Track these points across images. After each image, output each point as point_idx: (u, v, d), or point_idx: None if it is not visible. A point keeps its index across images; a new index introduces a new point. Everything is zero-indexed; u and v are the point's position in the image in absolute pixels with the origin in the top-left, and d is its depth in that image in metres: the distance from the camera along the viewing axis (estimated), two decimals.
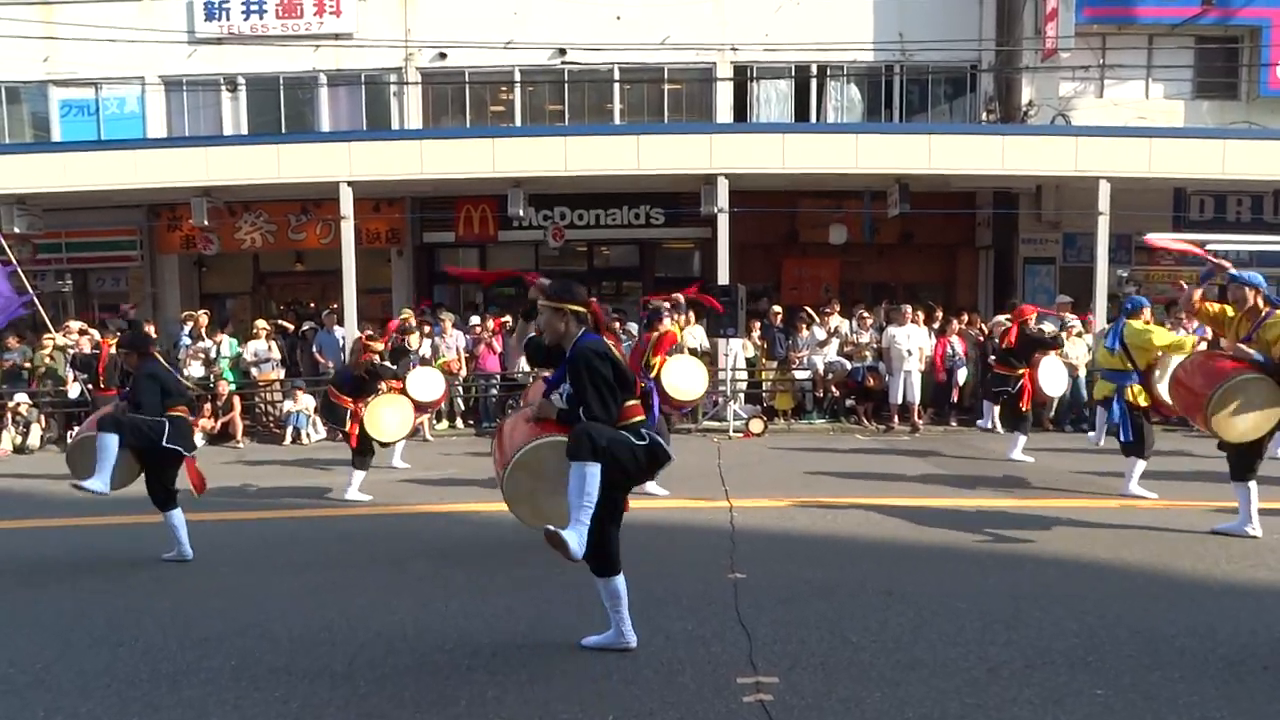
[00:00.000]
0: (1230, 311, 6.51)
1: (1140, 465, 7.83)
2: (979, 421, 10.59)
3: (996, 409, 10.60)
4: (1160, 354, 7.62)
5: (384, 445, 8.96)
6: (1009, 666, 4.12)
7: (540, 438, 4.16)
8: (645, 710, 3.76)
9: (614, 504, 4.19)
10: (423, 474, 9.76)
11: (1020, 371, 10.11)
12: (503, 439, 4.51)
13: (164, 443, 6.18)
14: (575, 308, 4.21)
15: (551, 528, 3.89)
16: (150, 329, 14.01)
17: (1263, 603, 5.00)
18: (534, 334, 4.55)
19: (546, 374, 4.79)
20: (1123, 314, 8.20)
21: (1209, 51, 16.34)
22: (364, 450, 8.57)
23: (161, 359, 6.75)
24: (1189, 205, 15.99)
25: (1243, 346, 6.19)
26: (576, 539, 3.90)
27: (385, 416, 8.68)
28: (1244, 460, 6.33)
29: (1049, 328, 12.28)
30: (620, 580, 4.24)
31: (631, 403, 4.22)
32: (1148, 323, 8.01)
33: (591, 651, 4.35)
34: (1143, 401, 7.74)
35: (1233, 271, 6.46)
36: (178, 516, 6.37)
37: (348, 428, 8.57)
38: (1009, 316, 10.83)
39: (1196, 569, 5.67)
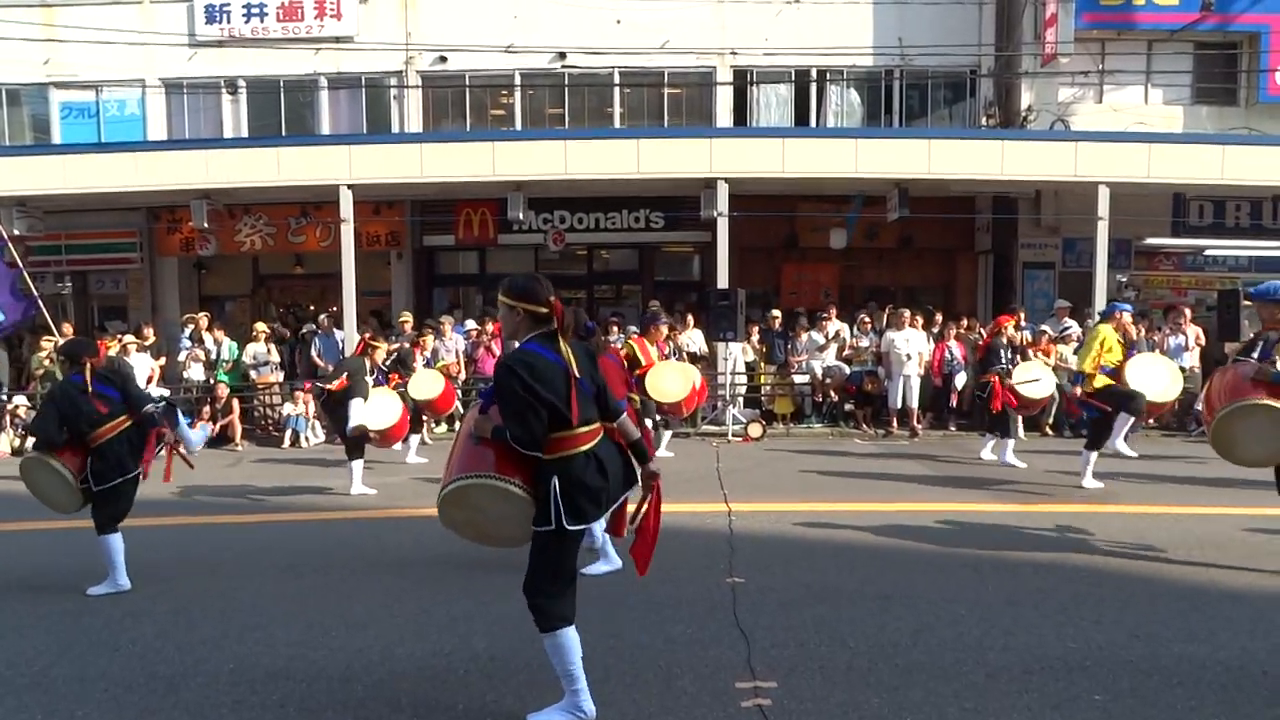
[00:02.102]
0: None
1: (1129, 421, 8.39)
2: (982, 453, 10.61)
3: (991, 443, 10.60)
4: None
5: (369, 436, 8.97)
6: (1008, 672, 4.12)
7: (468, 476, 3.68)
8: (644, 714, 3.76)
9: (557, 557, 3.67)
10: (422, 477, 9.76)
11: (988, 377, 10.17)
12: (455, 448, 3.93)
13: (95, 489, 5.71)
14: (531, 307, 3.63)
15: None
16: (150, 331, 14.12)
17: (1260, 606, 5.00)
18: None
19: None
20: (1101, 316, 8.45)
21: (1208, 57, 16.35)
22: (355, 435, 8.62)
23: (87, 372, 5.75)
24: (1188, 210, 16.00)
25: (1264, 365, 5.62)
26: (577, 709, 3.64)
27: (374, 404, 8.76)
28: None
29: (1050, 330, 12.29)
30: (566, 635, 3.61)
31: (583, 429, 3.62)
32: (1121, 327, 8.44)
33: (590, 656, 4.29)
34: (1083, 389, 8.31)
35: (1254, 289, 6.00)
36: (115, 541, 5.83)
37: (334, 385, 8.61)
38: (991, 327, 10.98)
39: (1195, 573, 5.67)
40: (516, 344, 3.74)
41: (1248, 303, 12.95)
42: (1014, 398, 9.93)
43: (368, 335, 9.56)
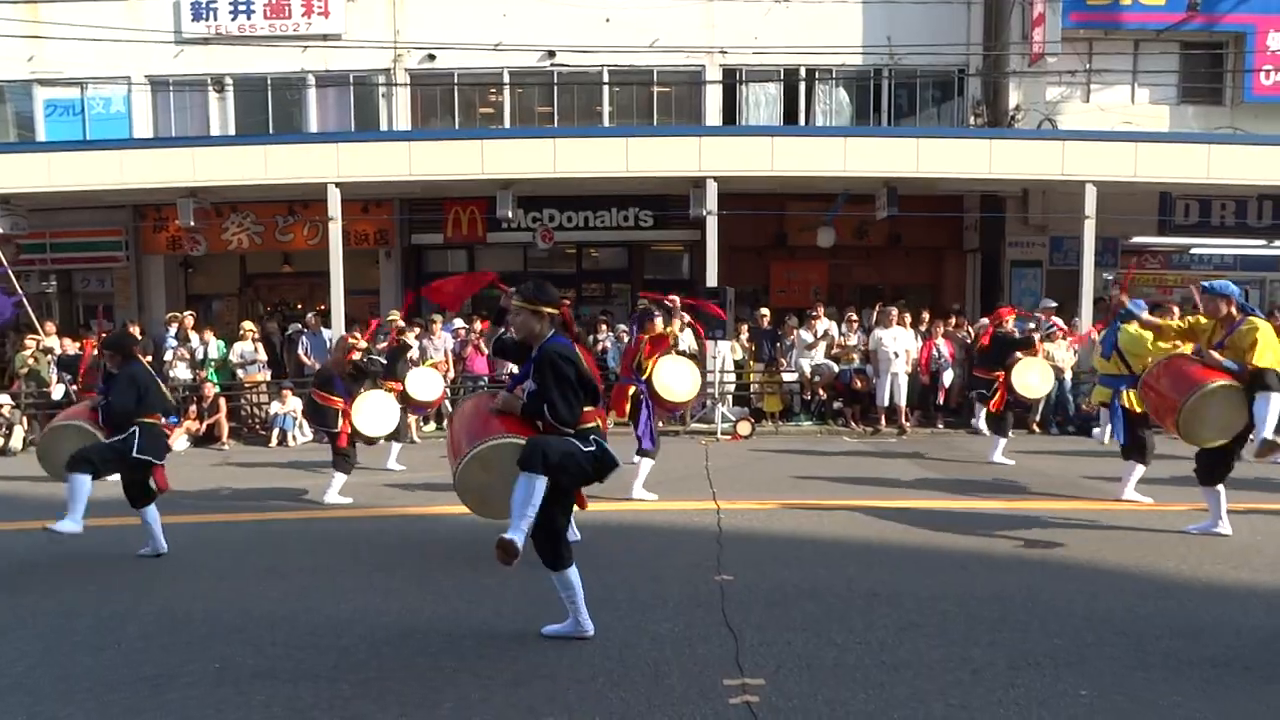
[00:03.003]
0: (1203, 320, 6.56)
1: (1139, 470, 7.82)
2: (972, 420, 10.67)
3: (983, 410, 10.66)
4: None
5: (368, 443, 8.95)
6: (993, 668, 4.13)
7: (503, 436, 4.28)
8: (632, 713, 3.75)
9: (566, 502, 4.48)
10: (408, 477, 9.73)
11: (995, 374, 10.18)
12: (459, 425, 4.58)
13: (134, 453, 6.21)
14: (549, 309, 4.40)
15: (505, 536, 4.15)
16: (135, 330, 14.02)
17: (1245, 604, 5.03)
18: (502, 332, 4.91)
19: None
20: (1117, 320, 8.22)
21: (1194, 57, 16.46)
22: (347, 453, 8.55)
23: (144, 362, 6.64)
24: (1174, 209, 16.10)
25: (1214, 354, 6.25)
26: (521, 538, 4.19)
27: (372, 412, 8.73)
28: (1211, 468, 6.42)
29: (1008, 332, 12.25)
30: (573, 572, 4.41)
31: (588, 409, 4.44)
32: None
33: (578, 654, 4.35)
34: (1139, 407, 7.60)
35: (1205, 283, 6.49)
36: (152, 513, 6.43)
37: (338, 428, 8.52)
38: (989, 319, 10.97)
39: (1180, 570, 5.70)
40: (535, 342, 4.40)
41: None
42: (1016, 396, 10.02)
43: (348, 335, 9.51)
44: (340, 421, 8.50)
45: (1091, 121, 15.65)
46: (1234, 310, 6.32)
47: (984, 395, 10.41)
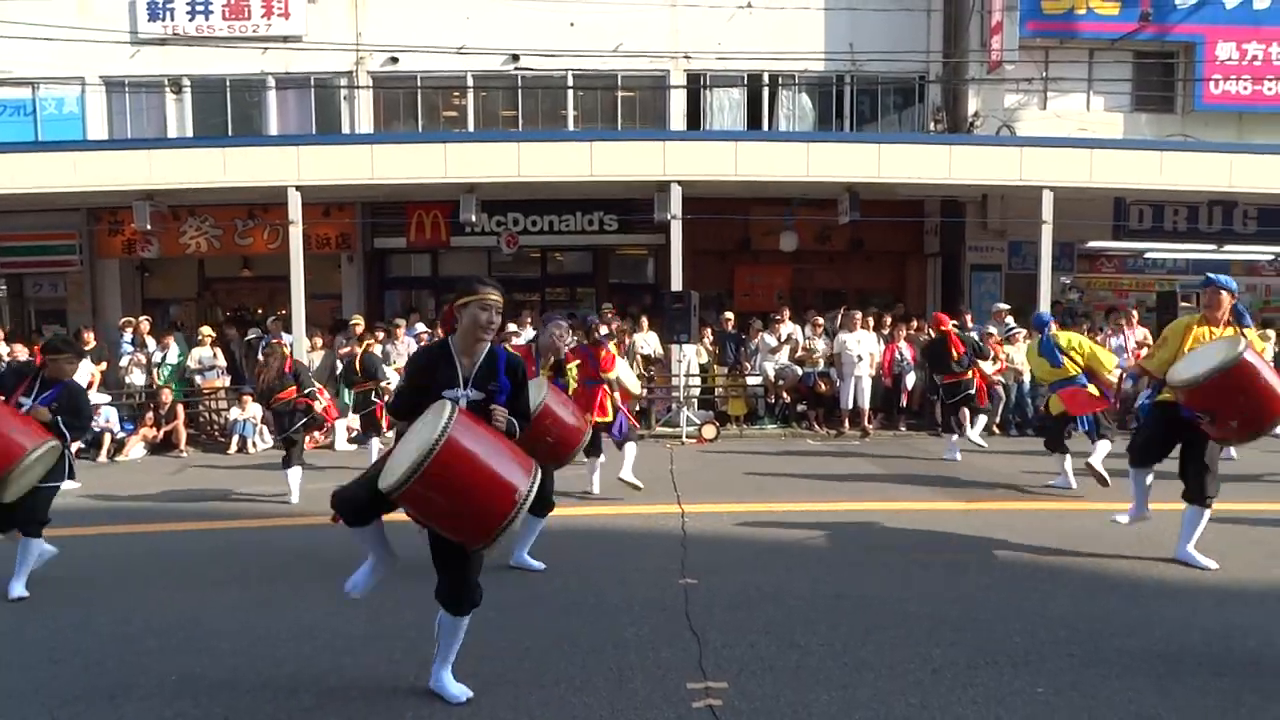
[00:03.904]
0: (1186, 324, 6.02)
1: (1105, 445, 8.20)
2: (945, 454, 10.69)
3: (957, 439, 10.71)
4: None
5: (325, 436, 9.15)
6: (953, 667, 4.19)
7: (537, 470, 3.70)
8: (595, 717, 3.75)
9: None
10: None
11: (971, 375, 10.47)
12: (491, 456, 3.62)
13: (67, 476, 6.00)
14: None
15: (457, 699, 3.88)
16: (89, 335, 13.75)
17: (1198, 601, 5.15)
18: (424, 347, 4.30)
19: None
20: (1044, 333, 8.60)
21: (1147, 66, 16.84)
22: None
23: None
24: (1129, 215, 16.44)
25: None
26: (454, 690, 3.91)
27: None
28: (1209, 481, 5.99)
29: (996, 332, 12.50)
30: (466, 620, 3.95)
31: None
32: (1062, 328, 8.72)
33: (540, 660, 4.33)
34: (1094, 390, 8.26)
35: (1210, 275, 6.14)
36: (37, 545, 5.82)
37: (323, 408, 8.75)
38: (932, 328, 11.35)
39: (1133, 568, 5.82)
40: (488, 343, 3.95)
41: (1185, 304, 13.39)
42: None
43: (279, 340, 9.68)
44: (320, 407, 8.70)
45: (1048, 128, 15.94)
46: (1230, 313, 5.90)
47: (970, 396, 10.56)
